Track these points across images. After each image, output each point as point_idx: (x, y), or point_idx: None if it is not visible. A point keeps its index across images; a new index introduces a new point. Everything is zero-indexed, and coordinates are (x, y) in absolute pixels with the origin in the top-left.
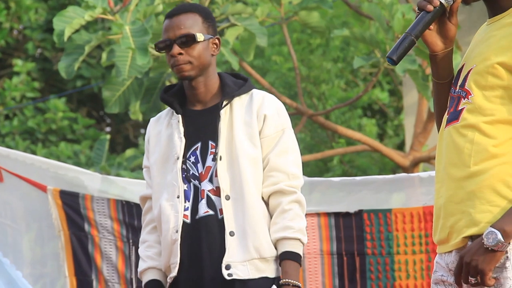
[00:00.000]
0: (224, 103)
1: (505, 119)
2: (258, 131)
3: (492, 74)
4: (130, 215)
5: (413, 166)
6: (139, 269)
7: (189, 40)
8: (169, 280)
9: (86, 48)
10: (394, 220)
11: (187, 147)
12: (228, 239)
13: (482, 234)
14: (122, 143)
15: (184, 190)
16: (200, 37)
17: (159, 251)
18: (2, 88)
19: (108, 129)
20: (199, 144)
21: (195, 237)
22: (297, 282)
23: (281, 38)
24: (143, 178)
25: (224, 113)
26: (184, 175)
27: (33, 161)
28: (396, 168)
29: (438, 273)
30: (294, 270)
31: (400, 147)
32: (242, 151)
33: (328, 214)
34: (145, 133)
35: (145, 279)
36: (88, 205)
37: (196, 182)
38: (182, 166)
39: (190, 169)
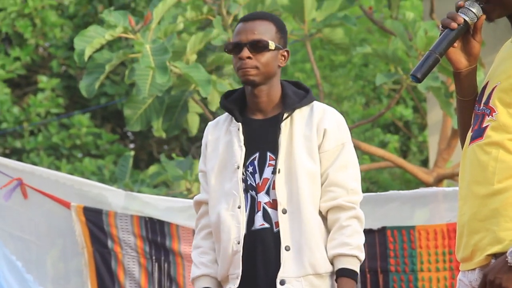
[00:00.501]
0: (285, 115)
1: None
2: (317, 146)
3: None
4: (153, 232)
5: (437, 182)
6: (192, 275)
7: (260, 46)
8: None
9: (106, 67)
10: (418, 237)
11: (246, 156)
12: (283, 253)
13: (506, 252)
14: (145, 160)
15: None
16: (271, 45)
17: (214, 259)
18: (27, 104)
19: (132, 145)
20: (257, 154)
21: (250, 249)
22: None
23: (304, 55)
24: (164, 195)
25: (284, 125)
26: (242, 185)
27: (57, 178)
28: (419, 185)
29: None
30: None
31: (424, 164)
32: (301, 165)
33: None
34: (168, 150)
35: (197, 286)
36: (111, 222)
37: (253, 193)
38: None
39: (248, 179)
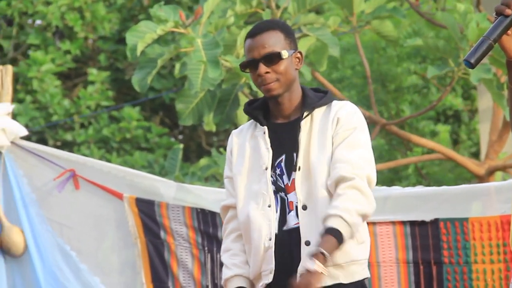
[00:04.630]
0: (305, 114)
1: None
2: (331, 135)
3: None
4: (205, 223)
5: (489, 174)
6: (224, 276)
7: (274, 58)
8: (261, 287)
9: (159, 62)
10: (471, 229)
11: (273, 159)
12: (303, 248)
13: None
14: (195, 151)
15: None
16: (284, 54)
17: (245, 260)
18: (77, 97)
19: (181, 136)
20: (283, 157)
21: (284, 247)
22: (325, 252)
23: (351, 44)
24: (217, 187)
25: (304, 124)
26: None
27: (110, 169)
28: (471, 177)
29: None
30: (328, 242)
31: (475, 153)
32: (316, 160)
33: (403, 223)
34: (217, 141)
35: (231, 286)
36: (163, 213)
37: (283, 194)
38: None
39: (276, 180)
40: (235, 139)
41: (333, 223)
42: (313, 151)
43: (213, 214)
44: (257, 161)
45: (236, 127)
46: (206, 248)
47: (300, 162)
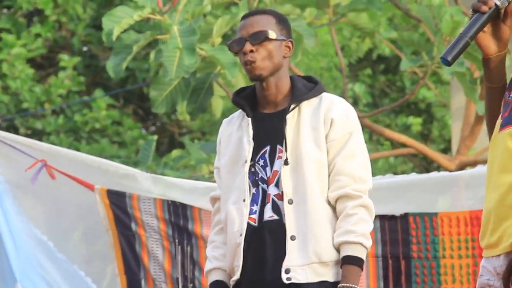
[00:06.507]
0: (292, 107)
1: None
2: (324, 135)
3: None
4: (176, 215)
5: (459, 170)
6: (205, 269)
7: (261, 37)
8: (232, 283)
9: (134, 48)
10: (440, 224)
11: (256, 150)
12: (288, 243)
13: None
14: (167, 144)
15: (253, 193)
16: (272, 34)
17: (225, 252)
18: (49, 85)
19: (153, 128)
20: (267, 148)
21: (259, 240)
22: (354, 285)
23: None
24: (188, 178)
25: (291, 117)
26: (252, 179)
27: (83, 159)
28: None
29: (484, 277)
30: (353, 274)
31: (446, 149)
32: (307, 156)
33: None
34: (189, 133)
35: (210, 279)
36: (134, 205)
37: (265, 186)
38: (251, 169)
39: (259, 172)
40: (224, 128)
41: (354, 251)
42: (305, 146)
43: (184, 206)
44: (240, 153)
45: (212, 116)
46: (176, 240)
47: (288, 156)
